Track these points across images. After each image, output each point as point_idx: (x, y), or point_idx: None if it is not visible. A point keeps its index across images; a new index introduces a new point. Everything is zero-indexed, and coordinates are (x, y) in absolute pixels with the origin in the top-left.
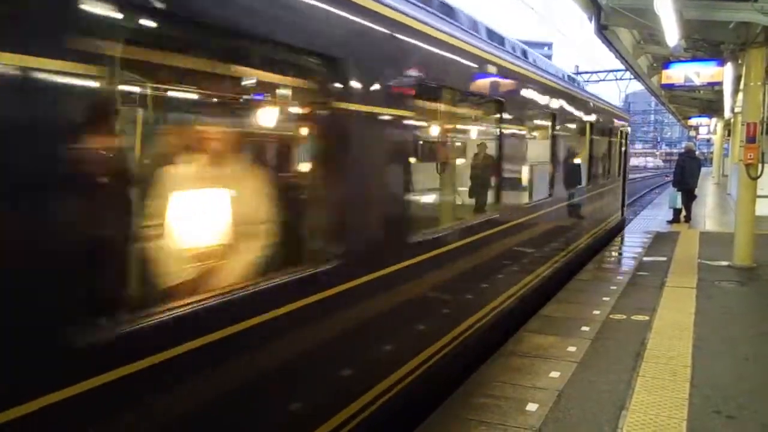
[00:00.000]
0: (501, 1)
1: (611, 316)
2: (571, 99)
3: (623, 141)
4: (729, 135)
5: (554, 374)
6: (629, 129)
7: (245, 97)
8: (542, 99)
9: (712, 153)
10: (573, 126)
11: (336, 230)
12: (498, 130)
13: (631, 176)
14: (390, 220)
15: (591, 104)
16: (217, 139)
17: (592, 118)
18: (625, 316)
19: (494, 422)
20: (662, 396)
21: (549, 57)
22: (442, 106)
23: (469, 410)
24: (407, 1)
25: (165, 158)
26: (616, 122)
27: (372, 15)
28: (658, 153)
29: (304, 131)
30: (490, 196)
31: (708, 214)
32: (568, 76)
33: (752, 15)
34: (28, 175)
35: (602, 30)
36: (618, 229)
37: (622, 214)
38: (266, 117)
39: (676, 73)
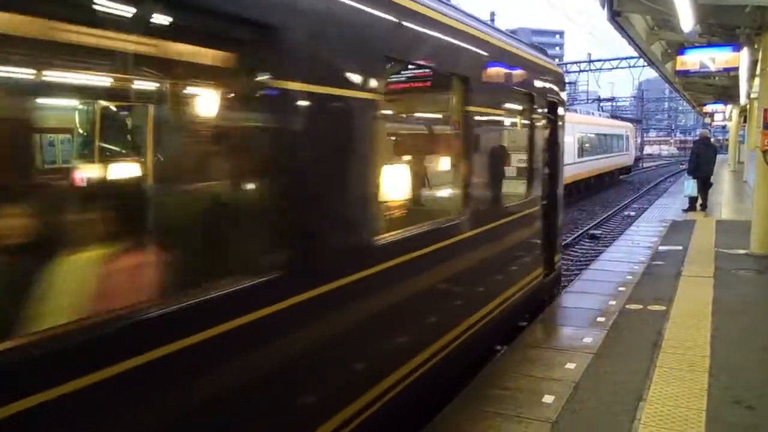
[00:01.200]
0: None
1: (627, 306)
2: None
3: (550, 125)
4: (745, 121)
5: (570, 365)
6: (563, 97)
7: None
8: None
9: (727, 140)
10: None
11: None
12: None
13: (645, 164)
14: None
15: (455, 39)
16: None
17: (463, 71)
18: (641, 306)
19: (510, 414)
20: (680, 387)
21: (560, 45)
22: None
23: (484, 402)
24: None
25: None
26: (527, 86)
27: None
28: (672, 141)
29: None
30: None
31: (724, 201)
32: None
33: None
34: None
35: (615, 16)
36: (543, 296)
37: (552, 267)
38: None
39: (691, 59)
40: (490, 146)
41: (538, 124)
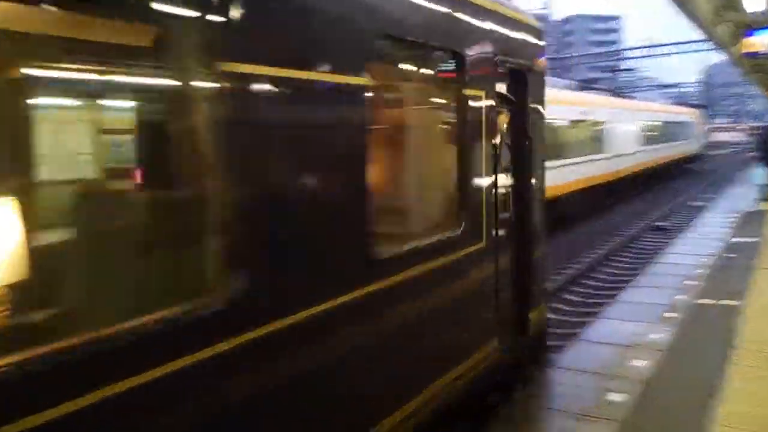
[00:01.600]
0: None
1: (698, 301)
2: None
3: (511, 108)
4: None
5: (638, 363)
6: (538, 65)
7: None
8: None
9: None
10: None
11: None
12: None
13: (712, 152)
14: None
15: None
16: None
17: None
18: (713, 301)
19: (576, 412)
20: (760, 385)
21: (616, 31)
22: None
23: (549, 399)
24: None
25: None
26: (448, 39)
27: None
28: (742, 127)
29: None
30: None
31: None
32: None
33: None
34: None
35: None
36: (504, 379)
37: (525, 330)
38: None
39: (760, 41)
40: (328, 145)
41: (475, 105)
